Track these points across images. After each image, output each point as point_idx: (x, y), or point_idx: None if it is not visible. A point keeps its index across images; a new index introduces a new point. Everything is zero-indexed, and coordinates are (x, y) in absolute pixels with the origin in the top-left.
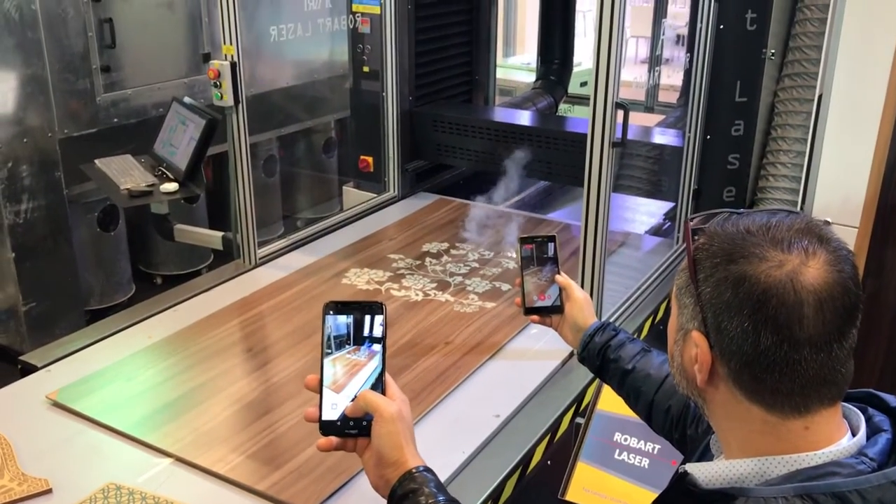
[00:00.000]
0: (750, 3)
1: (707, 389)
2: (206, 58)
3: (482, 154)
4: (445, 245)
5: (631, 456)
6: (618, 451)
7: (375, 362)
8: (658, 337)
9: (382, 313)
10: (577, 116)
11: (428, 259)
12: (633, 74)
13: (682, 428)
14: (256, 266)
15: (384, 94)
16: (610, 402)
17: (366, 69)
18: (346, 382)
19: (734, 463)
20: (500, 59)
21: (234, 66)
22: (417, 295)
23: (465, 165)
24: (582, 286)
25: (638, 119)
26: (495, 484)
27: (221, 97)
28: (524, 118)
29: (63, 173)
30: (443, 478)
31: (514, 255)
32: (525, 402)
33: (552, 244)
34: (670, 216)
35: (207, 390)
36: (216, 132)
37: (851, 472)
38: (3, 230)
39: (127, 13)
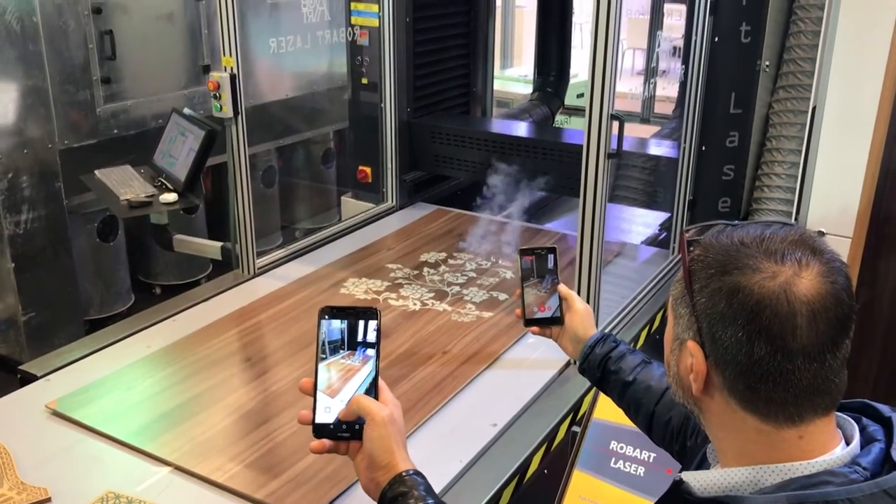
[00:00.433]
0: (745, 15)
1: (702, 399)
2: (206, 69)
3: (479, 165)
4: (443, 255)
5: (627, 464)
6: (614, 459)
7: (369, 367)
8: (654, 347)
9: (376, 319)
10: (573, 128)
11: (426, 269)
12: (628, 86)
13: (683, 440)
14: (255, 276)
15: (382, 105)
16: (606, 410)
17: (364, 81)
18: (340, 387)
19: (729, 471)
20: (497, 71)
21: (233, 77)
22: (415, 304)
23: (463, 176)
24: (578, 296)
25: (634, 130)
26: (492, 493)
27: (221, 108)
28: (521, 129)
29: (63, 184)
30: (440, 487)
31: (512, 266)
32: (522, 411)
33: (552, 256)
34: (666, 227)
35: (206, 399)
36: (215, 143)
37: (844, 480)
38: (2, 240)
39: (127, 25)
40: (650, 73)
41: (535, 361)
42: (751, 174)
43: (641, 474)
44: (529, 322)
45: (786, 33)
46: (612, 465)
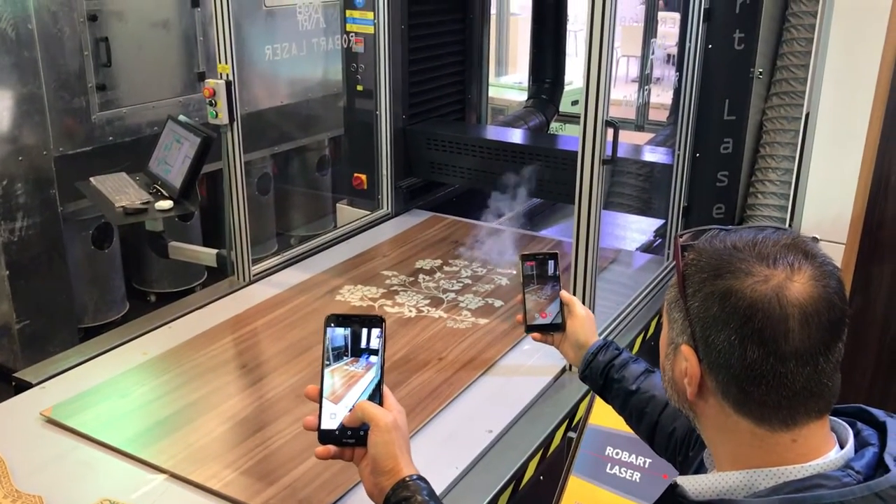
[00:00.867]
0: (738, 22)
1: (697, 403)
2: (201, 77)
3: (475, 172)
4: (438, 262)
5: (622, 470)
6: (609, 464)
7: (373, 374)
8: (649, 353)
9: (381, 326)
10: (568, 134)
11: (421, 276)
12: (623, 93)
13: (686, 451)
14: (250, 283)
15: (378, 112)
16: (602, 416)
17: (360, 88)
18: (344, 393)
19: (723, 475)
20: (492, 79)
21: (229, 84)
22: (411, 311)
23: (458, 183)
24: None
25: (628, 137)
26: (488, 499)
27: (217, 115)
28: (516, 136)
29: (58, 191)
30: (436, 493)
31: (507, 273)
32: (518, 417)
33: (553, 261)
34: (660, 233)
35: (202, 407)
36: (211, 150)
37: (837, 484)
38: None
39: (122, 32)
40: (644, 80)
41: (531, 368)
42: (745, 181)
43: (637, 480)
44: (531, 328)
45: (779, 40)
46: (607, 470)
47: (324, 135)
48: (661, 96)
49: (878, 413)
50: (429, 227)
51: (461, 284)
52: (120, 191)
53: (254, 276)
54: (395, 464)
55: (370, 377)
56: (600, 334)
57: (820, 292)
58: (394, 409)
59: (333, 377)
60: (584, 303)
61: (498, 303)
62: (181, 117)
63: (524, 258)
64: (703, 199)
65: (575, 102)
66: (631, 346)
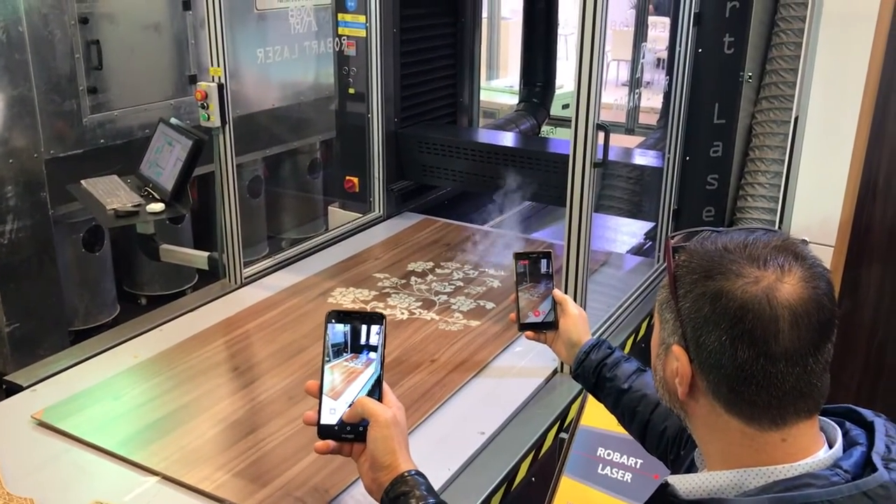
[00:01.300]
0: (728, 27)
1: (688, 402)
2: (193, 79)
3: (466, 175)
4: (430, 264)
5: (614, 470)
6: (601, 465)
7: (372, 370)
8: (640, 355)
9: (381, 323)
10: (559, 138)
11: (413, 278)
12: (613, 97)
13: (677, 450)
14: (242, 286)
15: (370, 115)
16: (593, 417)
17: (351, 91)
18: (343, 389)
19: (714, 475)
20: (483, 82)
21: (221, 87)
22: (403, 314)
23: (450, 186)
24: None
25: (619, 141)
26: (481, 500)
27: (209, 118)
28: (507, 139)
29: (48, 194)
30: None
31: (498, 275)
32: (510, 418)
33: (546, 260)
34: (651, 236)
35: (193, 409)
36: (202, 153)
37: (825, 483)
38: None
39: (114, 35)
40: (635, 84)
41: (523, 370)
42: (735, 184)
43: (629, 480)
44: (524, 326)
45: (768, 45)
46: (599, 471)
47: (315, 138)
48: (652, 100)
49: (867, 413)
50: (420, 230)
51: (453, 287)
52: (111, 193)
53: (245, 278)
54: (393, 459)
55: (370, 373)
56: (592, 336)
57: (810, 294)
58: (393, 405)
59: (333, 373)
60: None
61: (490, 305)
62: (173, 120)
63: (517, 257)
64: (693, 202)
65: (566, 106)
66: (622, 348)
